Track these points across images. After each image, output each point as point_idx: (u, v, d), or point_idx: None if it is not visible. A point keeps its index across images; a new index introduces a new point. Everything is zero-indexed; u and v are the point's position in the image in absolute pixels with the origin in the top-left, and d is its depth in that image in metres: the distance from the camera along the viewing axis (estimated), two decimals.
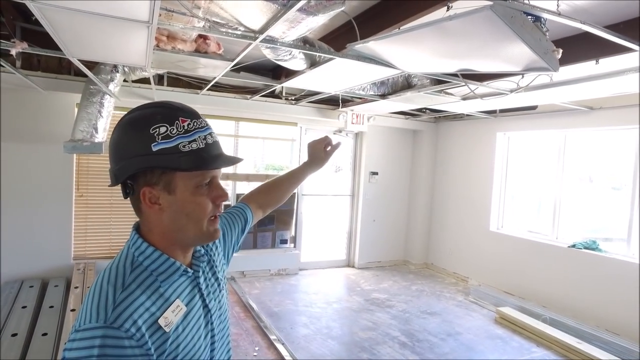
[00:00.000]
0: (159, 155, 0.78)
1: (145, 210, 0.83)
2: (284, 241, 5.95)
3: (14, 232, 4.39)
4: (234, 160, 0.89)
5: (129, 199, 0.84)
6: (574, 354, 3.68)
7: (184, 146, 0.78)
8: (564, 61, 2.44)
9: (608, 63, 2.58)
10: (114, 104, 3.95)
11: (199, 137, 0.81)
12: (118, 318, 0.72)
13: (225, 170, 5.58)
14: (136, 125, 0.80)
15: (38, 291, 4.08)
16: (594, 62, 2.51)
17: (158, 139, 0.78)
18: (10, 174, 4.34)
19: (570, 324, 4.12)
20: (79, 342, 0.71)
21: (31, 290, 4.12)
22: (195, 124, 0.81)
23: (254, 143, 5.97)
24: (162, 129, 0.78)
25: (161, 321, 0.77)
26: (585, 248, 4.48)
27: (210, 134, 0.84)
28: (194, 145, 0.80)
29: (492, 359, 3.64)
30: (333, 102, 5.37)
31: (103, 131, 3.84)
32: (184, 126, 0.79)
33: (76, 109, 4.00)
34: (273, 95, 5.11)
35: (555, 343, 3.85)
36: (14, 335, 3.18)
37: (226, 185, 5.53)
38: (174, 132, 0.78)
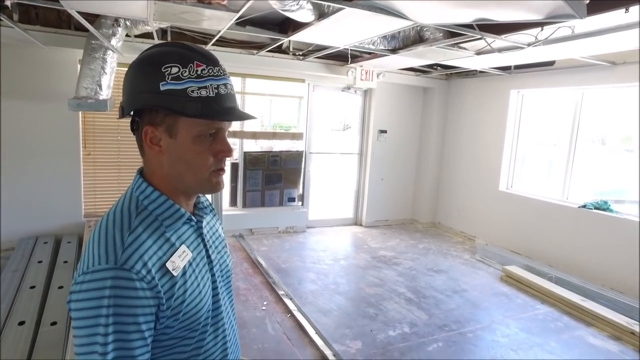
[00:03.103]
0: (166, 95, 0.75)
1: (146, 150, 0.82)
2: (292, 199, 5.98)
3: (25, 190, 4.44)
4: (243, 116, 0.83)
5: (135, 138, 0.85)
6: (577, 311, 3.73)
7: (192, 91, 0.76)
8: (589, 11, 2.29)
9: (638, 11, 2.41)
10: (117, 60, 3.85)
11: (211, 85, 0.77)
12: (129, 260, 0.71)
13: (232, 127, 5.52)
14: (150, 62, 0.78)
15: (52, 247, 4.19)
16: (624, 10, 2.34)
17: (168, 78, 0.75)
18: (18, 133, 4.33)
19: (576, 282, 4.15)
20: (88, 283, 0.70)
21: (45, 246, 4.23)
22: (210, 70, 0.78)
23: (261, 100, 5.85)
24: (174, 70, 0.75)
25: (169, 265, 0.76)
26: (596, 208, 4.43)
27: (225, 84, 0.80)
28: (204, 93, 0.76)
29: (496, 315, 3.71)
30: (342, 57, 5.19)
31: (107, 88, 3.76)
32: (197, 70, 0.76)
33: (79, 65, 3.91)
34: (280, 50, 4.94)
35: (560, 301, 3.90)
36: (32, 287, 3.30)
37: (233, 144, 5.49)
38: (185, 74, 0.76)
